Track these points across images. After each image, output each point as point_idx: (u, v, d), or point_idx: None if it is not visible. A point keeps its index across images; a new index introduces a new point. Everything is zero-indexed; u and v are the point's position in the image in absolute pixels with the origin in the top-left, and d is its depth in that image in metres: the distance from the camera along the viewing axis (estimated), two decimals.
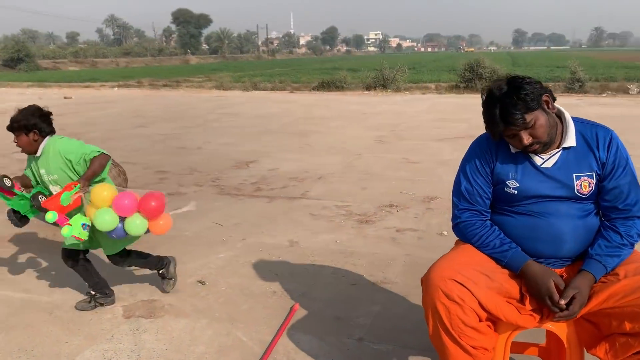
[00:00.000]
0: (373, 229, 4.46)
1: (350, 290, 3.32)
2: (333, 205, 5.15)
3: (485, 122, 1.95)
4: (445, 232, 4.32)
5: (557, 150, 1.95)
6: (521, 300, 1.93)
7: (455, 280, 1.83)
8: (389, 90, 19.29)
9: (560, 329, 1.97)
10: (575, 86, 17.61)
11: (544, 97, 1.88)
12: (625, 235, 1.88)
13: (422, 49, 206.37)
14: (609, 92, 17.04)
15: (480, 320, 1.87)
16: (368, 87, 19.82)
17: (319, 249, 4.00)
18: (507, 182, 1.98)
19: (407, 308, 3.09)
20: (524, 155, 1.98)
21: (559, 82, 20.08)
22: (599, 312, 1.83)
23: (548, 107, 1.89)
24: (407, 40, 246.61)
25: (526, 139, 1.86)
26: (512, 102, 1.84)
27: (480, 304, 1.84)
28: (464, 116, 11.84)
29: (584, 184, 1.92)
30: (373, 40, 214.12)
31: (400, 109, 13.51)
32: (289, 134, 9.71)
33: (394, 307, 3.10)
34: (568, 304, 1.81)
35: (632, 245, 1.89)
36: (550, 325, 1.95)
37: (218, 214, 4.92)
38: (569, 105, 13.66)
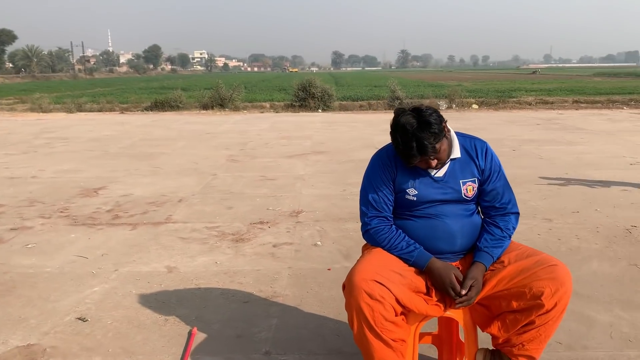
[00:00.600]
0: (249, 246, 4.51)
1: (244, 308, 3.35)
2: (202, 227, 5.08)
3: (400, 152, 2.19)
4: (319, 243, 4.55)
5: (447, 161, 2.26)
6: (428, 293, 2.18)
7: (375, 281, 2.02)
8: (226, 109, 19.35)
9: (458, 314, 2.26)
10: (395, 103, 19.44)
11: (444, 125, 2.17)
12: (505, 229, 2.25)
13: (249, 69, 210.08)
14: None
15: (396, 315, 2.07)
16: (205, 107, 19.65)
17: (201, 272, 3.95)
18: (407, 191, 2.26)
19: (303, 317, 3.21)
20: (421, 168, 2.25)
21: (379, 100, 22.02)
22: (490, 296, 2.16)
23: (446, 132, 2.18)
24: (233, 60, 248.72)
25: (433, 163, 2.17)
26: (425, 136, 2.10)
27: (396, 300, 2.04)
28: (306, 133, 12.41)
29: (469, 188, 2.26)
30: (199, 59, 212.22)
31: (244, 128, 13.67)
32: (133, 156, 9.27)
33: (290, 318, 3.20)
34: (467, 292, 2.11)
35: (510, 236, 2.27)
36: (449, 313, 2.23)
37: (78, 246, 4.55)
38: (374, 121, 15.04)
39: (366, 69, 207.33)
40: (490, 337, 2.27)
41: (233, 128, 13.82)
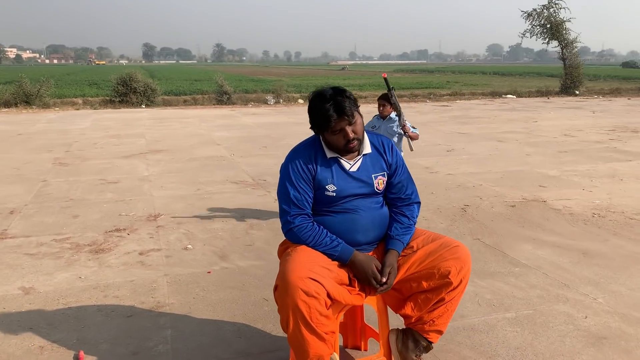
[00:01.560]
0: (113, 256, 4.19)
1: (130, 323, 3.13)
2: (50, 240, 4.57)
3: (318, 117, 2.28)
4: (189, 246, 4.40)
5: (359, 156, 2.39)
6: (350, 284, 2.29)
7: (310, 278, 2.07)
8: (33, 106, 17.34)
9: (371, 300, 2.43)
10: (224, 98, 19.35)
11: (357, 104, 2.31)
12: (411, 217, 2.46)
13: (47, 61, 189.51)
14: (252, 103, 19.34)
15: (327, 308, 2.15)
16: (6, 104, 17.36)
17: (65, 290, 3.57)
18: (326, 187, 2.33)
19: (197, 324, 3.11)
20: (336, 162, 2.36)
21: (204, 94, 21.67)
22: (402, 279, 2.35)
23: (358, 110, 2.31)
24: (27, 51, 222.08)
25: (351, 133, 2.25)
26: (342, 99, 2.25)
27: (327, 294, 2.12)
28: (136, 131, 11.74)
29: (380, 182, 2.41)
30: None
31: (62, 127, 12.42)
32: None
33: (184, 326, 3.08)
34: (387, 280, 2.27)
35: (415, 224, 2.48)
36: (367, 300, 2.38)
37: None
38: (227, 116, 15.00)
39: (181, 62, 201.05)
40: (403, 318, 2.46)
41: (49, 127, 12.48)
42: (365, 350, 2.76)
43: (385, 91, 4.51)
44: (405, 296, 2.41)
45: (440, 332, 2.39)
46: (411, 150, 4.60)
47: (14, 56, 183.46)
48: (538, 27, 23.08)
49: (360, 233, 2.35)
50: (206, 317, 3.21)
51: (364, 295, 2.32)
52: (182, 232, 4.78)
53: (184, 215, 5.30)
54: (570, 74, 22.91)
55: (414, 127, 4.65)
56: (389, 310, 2.52)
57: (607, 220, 5.02)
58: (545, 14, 22.85)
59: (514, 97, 21.91)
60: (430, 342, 2.41)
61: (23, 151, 9.06)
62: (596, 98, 21.45)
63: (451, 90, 24.63)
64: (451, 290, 2.29)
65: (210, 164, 7.94)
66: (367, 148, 2.42)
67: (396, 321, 2.71)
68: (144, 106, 18.20)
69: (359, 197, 2.37)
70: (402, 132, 4.58)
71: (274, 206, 5.63)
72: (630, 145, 9.46)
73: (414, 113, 15.68)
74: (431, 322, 2.36)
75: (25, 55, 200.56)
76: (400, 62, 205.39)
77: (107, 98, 19.10)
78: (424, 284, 2.31)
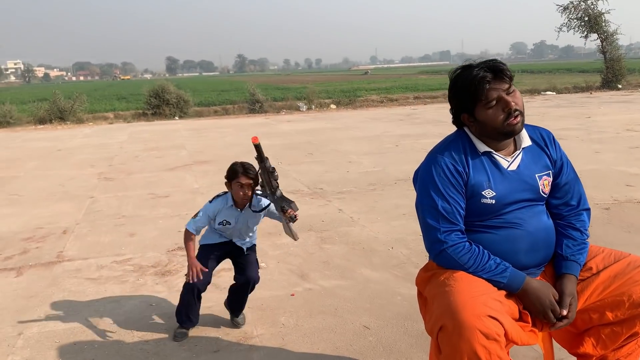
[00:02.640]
0: (182, 279, 3.78)
1: (220, 358, 2.72)
2: (110, 262, 4.22)
3: (465, 89, 1.84)
4: (263, 264, 3.97)
5: (518, 151, 1.92)
6: (520, 318, 1.83)
7: (489, 316, 1.61)
8: (68, 122, 17.31)
9: (544, 340, 1.96)
10: (257, 107, 19.08)
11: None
12: (583, 230, 1.98)
13: (74, 78, 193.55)
14: (285, 111, 19.03)
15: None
16: (42, 121, 17.37)
17: (138, 320, 3.18)
18: (483, 193, 1.85)
19: (297, 358, 2.69)
20: (490, 159, 1.89)
21: (233, 104, 21.42)
22: (580, 310, 1.88)
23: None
24: (55, 69, 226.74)
25: (512, 103, 1.80)
26: (495, 62, 1.83)
27: (505, 334, 1.67)
28: (176, 142, 11.50)
29: (545, 183, 1.93)
30: (13, 70, 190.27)
31: (100, 142, 12.23)
32: None
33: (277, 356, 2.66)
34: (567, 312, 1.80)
35: (588, 237, 2.00)
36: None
37: None
38: (263, 124, 14.70)
39: (204, 74, 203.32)
40: (578, 358, 1.99)
41: (87, 142, 12.31)
42: None
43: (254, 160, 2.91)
44: (580, 330, 1.94)
45: None
46: (296, 239, 2.99)
47: (42, 75, 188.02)
48: (575, 20, 22.28)
49: (524, 253, 1.87)
50: (304, 350, 2.78)
51: (537, 332, 1.85)
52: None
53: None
54: (612, 68, 22.02)
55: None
56: (557, 348, 2.05)
57: None
58: (583, 7, 22.05)
59: (554, 93, 21.15)
60: None
61: (65, 167, 8.82)
62: None
63: None
64: None
65: None
66: (527, 140, 1.93)
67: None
68: (177, 118, 18.03)
69: (522, 204, 1.88)
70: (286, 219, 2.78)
71: (339, 217, 5.21)
72: None
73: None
74: None
75: (53, 73, 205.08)
76: (422, 64, 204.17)
77: (140, 111, 19.01)
78: (609, 315, 1.84)
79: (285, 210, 2.72)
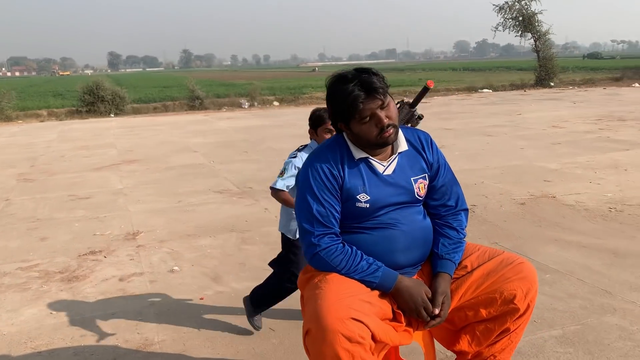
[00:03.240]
0: (89, 285, 3.65)
1: None
2: (15, 268, 4.00)
3: (340, 102, 1.81)
4: (176, 268, 3.89)
5: (394, 156, 1.92)
6: (394, 318, 1.83)
7: (352, 319, 1.60)
8: None
9: (416, 335, 1.97)
10: (196, 103, 18.72)
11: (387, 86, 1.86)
12: (460, 229, 1.99)
13: (9, 74, 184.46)
14: (226, 108, 18.76)
15: (372, 354, 1.69)
16: None
17: (34, 330, 3.03)
18: (358, 197, 1.85)
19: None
20: (367, 164, 1.89)
21: (174, 101, 20.93)
22: (455, 308, 1.90)
23: (389, 93, 1.86)
24: None
25: (384, 118, 1.80)
26: (369, 76, 1.80)
27: (372, 336, 1.66)
28: (107, 141, 11.12)
29: (421, 186, 1.94)
30: None
31: (27, 141, 11.68)
32: None
33: None
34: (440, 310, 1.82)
35: (465, 236, 2.03)
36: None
37: None
38: (201, 122, 14.45)
39: (147, 69, 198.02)
40: (457, 354, 2.02)
41: (12, 141, 11.73)
42: None
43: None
44: (457, 327, 1.96)
45: None
46: None
47: None
48: (510, 20, 23.05)
49: (401, 253, 1.88)
50: (205, 355, 2.71)
51: (412, 331, 1.86)
52: (166, 252, 4.25)
53: (166, 231, 4.78)
54: (545, 66, 22.92)
55: None
56: (438, 345, 2.07)
57: (626, 215, 4.68)
58: (517, 7, 22.84)
59: (490, 91, 21.80)
60: None
61: None
62: (572, 89, 21.48)
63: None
64: (517, 318, 1.86)
65: (188, 173, 7.39)
66: (403, 145, 1.94)
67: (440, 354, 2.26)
68: (112, 115, 17.46)
69: (397, 207, 1.90)
70: None
71: (265, 216, 5.15)
72: (622, 134, 9.23)
73: None
74: (492, 357, 1.92)
75: None
76: (369, 61, 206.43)
77: (74, 108, 18.30)
78: (483, 312, 1.87)
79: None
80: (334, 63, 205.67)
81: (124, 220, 5.20)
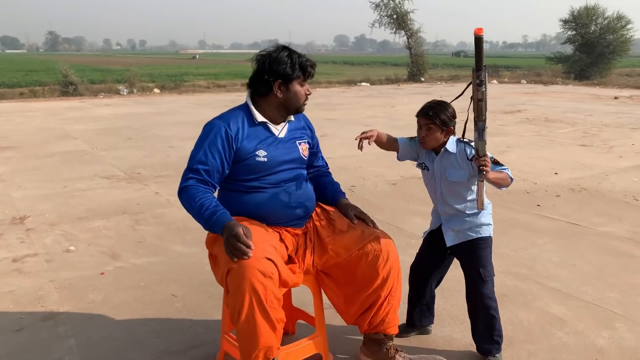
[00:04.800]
0: None
1: (22, 337, 2.74)
2: None
3: (293, 63, 2.26)
4: (72, 248, 3.98)
5: (285, 122, 2.36)
6: (289, 261, 2.23)
7: (266, 258, 1.97)
8: None
9: (309, 280, 2.38)
10: (70, 89, 17.73)
11: None
12: (332, 178, 2.61)
13: None
14: (103, 94, 17.98)
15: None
16: None
17: None
18: (257, 153, 2.23)
19: (103, 329, 2.82)
20: (264, 128, 2.29)
21: (43, 86, 19.61)
22: (334, 265, 2.32)
23: None
24: None
25: (308, 88, 2.34)
26: (299, 55, 2.31)
27: (279, 275, 2.04)
28: None
29: (304, 148, 2.40)
30: None
31: None
32: None
33: (88, 333, 2.77)
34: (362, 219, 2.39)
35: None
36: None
37: None
38: (77, 108, 13.83)
39: (7, 51, 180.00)
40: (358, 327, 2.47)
41: None
42: (294, 333, 2.72)
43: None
44: (339, 284, 2.37)
45: (395, 323, 2.41)
46: (480, 208, 2.31)
47: None
48: (385, 17, 24.47)
49: (290, 208, 2.29)
50: (112, 321, 2.92)
51: (302, 274, 2.27)
52: (59, 234, 4.30)
53: (55, 215, 4.77)
54: (416, 62, 24.66)
55: (499, 164, 2.36)
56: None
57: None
58: (392, 5, 24.30)
59: (368, 84, 23.04)
60: (392, 335, 2.44)
61: None
62: (439, 84, 23.37)
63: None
64: (382, 283, 2.29)
65: (71, 159, 7.23)
66: (291, 117, 2.40)
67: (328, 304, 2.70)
68: None
69: (288, 168, 2.32)
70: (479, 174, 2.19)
71: (156, 199, 5.31)
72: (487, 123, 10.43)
73: None
74: (382, 322, 2.37)
75: None
76: (251, 51, 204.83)
77: None
78: (357, 272, 2.30)
79: (479, 155, 2.16)
80: (215, 51, 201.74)
81: (6, 205, 5.07)
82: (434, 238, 2.59)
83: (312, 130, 2.52)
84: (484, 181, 2.19)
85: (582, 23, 25.19)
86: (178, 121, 11.21)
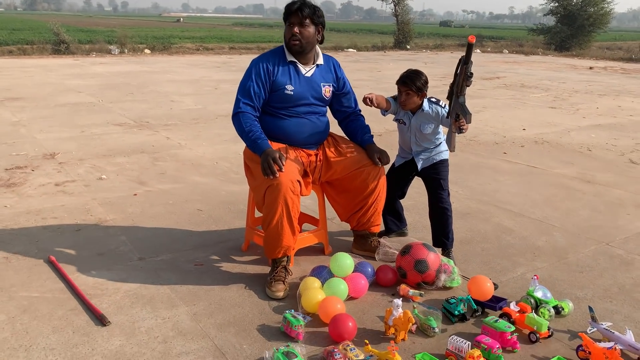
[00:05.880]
0: (29, 189, 4.27)
1: (81, 235, 3.42)
2: None
3: (285, 7, 2.84)
4: (103, 177, 4.62)
5: (313, 65, 2.94)
6: (304, 175, 2.92)
7: (297, 180, 2.66)
8: None
9: (316, 189, 3.10)
10: (62, 48, 17.97)
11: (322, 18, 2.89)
12: (362, 119, 3.20)
13: None
14: (95, 53, 18.25)
15: None
16: None
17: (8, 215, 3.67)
18: (286, 87, 2.85)
19: (147, 230, 3.51)
20: (295, 66, 2.88)
21: (31, 44, 19.73)
22: (338, 179, 3.03)
23: (318, 32, 2.88)
24: None
25: (296, 29, 2.78)
26: (307, 5, 2.81)
27: (300, 189, 2.74)
28: None
29: (327, 90, 2.98)
30: None
31: None
32: None
33: (135, 233, 3.45)
34: (381, 160, 2.99)
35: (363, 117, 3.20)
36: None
37: None
38: (73, 65, 14.17)
39: None
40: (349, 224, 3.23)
41: None
42: (300, 232, 3.42)
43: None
44: (338, 191, 3.11)
45: (378, 223, 3.17)
46: (453, 150, 2.92)
47: None
48: None
49: (308, 135, 2.94)
50: (152, 225, 3.61)
51: (311, 185, 3.00)
52: (89, 166, 4.93)
53: (82, 152, 5.40)
54: (402, 30, 25.13)
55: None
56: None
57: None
58: None
59: (355, 50, 23.51)
60: (375, 232, 3.18)
61: None
62: (424, 52, 23.94)
63: None
64: (370, 193, 3.02)
65: (81, 109, 7.78)
66: (320, 60, 2.95)
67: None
68: None
69: (310, 104, 2.91)
70: (454, 127, 2.80)
71: (168, 143, 5.94)
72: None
73: None
74: (367, 221, 3.12)
75: None
76: (236, 15, 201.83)
77: None
78: (354, 184, 3.01)
79: (458, 118, 2.75)
80: (199, 15, 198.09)
81: (35, 145, 5.67)
82: (400, 166, 3.29)
83: (339, 77, 3.02)
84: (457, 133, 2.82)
85: None
86: (174, 79, 11.72)
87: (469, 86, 2.68)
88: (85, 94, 9.31)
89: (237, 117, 2.83)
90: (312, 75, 2.93)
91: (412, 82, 3.00)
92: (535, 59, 20.97)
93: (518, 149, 6.02)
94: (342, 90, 3.10)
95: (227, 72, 13.56)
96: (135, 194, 4.21)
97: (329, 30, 41.63)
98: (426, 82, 3.05)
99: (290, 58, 2.89)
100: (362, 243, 3.22)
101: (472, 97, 9.52)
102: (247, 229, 3.20)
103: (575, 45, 25.35)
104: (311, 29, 2.84)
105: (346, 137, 3.18)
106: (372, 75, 13.49)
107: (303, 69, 2.92)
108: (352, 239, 3.31)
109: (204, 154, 5.47)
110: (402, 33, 25.19)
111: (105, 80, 11.31)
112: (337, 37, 34.73)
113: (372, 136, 3.14)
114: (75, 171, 4.77)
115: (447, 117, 2.89)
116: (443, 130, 3.15)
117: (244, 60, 17.17)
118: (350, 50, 23.58)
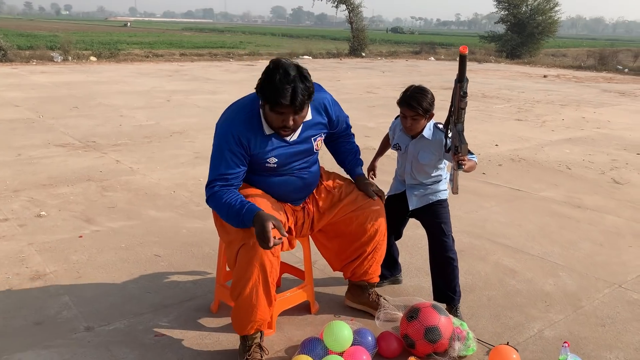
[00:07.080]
0: None
1: (15, 296, 2.82)
2: None
3: (270, 90, 2.09)
4: (43, 213, 4.00)
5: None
6: (288, 231, 2.42)
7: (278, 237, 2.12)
8: None
9: (304, 242, 2.63)
10: None
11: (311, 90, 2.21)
12: (353, 142, 2.76)
13: None
14: (36, 61, 17.12)
15: None
16: None
17: None
18: (267, 160, 2.30)
19: (95, 287, 2.94)
20: (276, 136, 2.29)
21: None
22: (330, 222, 2.55)
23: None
24: None
25: (290, 121, 2.17)
26: (302, 87, 2.10)
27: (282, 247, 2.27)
28: None
29: (319, 143, 2.47)
30: None
31: None
32: None
33: (81, 291, 2.89)
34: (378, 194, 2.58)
35: (357, 147, 2.78)
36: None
37: None
38: (11, 75, 13.18)
39: None
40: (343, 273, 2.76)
41: None
42: (279, 286, 2.94)
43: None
44: (330, 237, 2.64)
45: (377, 274, 2.70)
46: (455, 192, 2.54)
47: None
48: None
49: (295, 193, 2.46)
50: (101, 280, 3.04)
51: (295, 240, 2.53)
52: (25, 200, 4.28)
53: (17, 182, 4.72)
54: (357, 37, 24.94)
55: (471, 153, 2.59)
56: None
57: None
58: None
59: (310, 58, 23.11)
60: (374, 283, 2.74)
61: None
62: (380, 59, 23.81)
63: (249, 50, 24.97)
64: (368, 240, 2.56)
65: (18, 127, 7.02)
66: (307, 116, 2.33)
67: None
68: None
69: (298, 159, 2.39)
70: (454, 163, 2.43)
71: (118, 167, 5.33)
72: None
73: (222, 72, 15.63)
74: (365, 272, 2.65)
75: None
76: (185, 20, 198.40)
77: None
78: (351, 227, 2.55)
79: (457, 151, 2.35)
80: (147, 19, 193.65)
81: None
82: (394, 200, 2.82)
83: (332, 118, 2.47)
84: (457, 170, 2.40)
85: (514, 3, 26.34)
86: (123, 90, 10.96)
87: (463, 108, 2.32)
88: (24, 108, 8.49)
89: (210, 200, 2.26)
90: (299, 135, 2.35)
91: (418, 104, 2.55)
92: (489, 67, 21.15)
93: (496, 168, 5.72)
94: (337, 128, 2.60)
95: (179, 81, 12.86)
96: (81, 236, 3.62)
97: (280, 36, 41.58)
98: (433, 100, 2.62)
99: (269, 131, 2.27)
100: (358, 294, 2.76)
101: (436, 110, 9.25)
102: (217, 286, 2.68)
103: (526, 53, 25.85)
104: (306, 109, 2.25)
105: (335, 172, 2.70)
106: (332, 85, 13.10)
107: (285, 133, 2.29)
108: (342, 287, 2.86)
109: (159, 180, 4.88)
110: (357, 40, 24.99)
111: (47, 92, 10.44)
112: (291, 43, 34.43)
113: (361, 165, 2.73)
114: (8, 207, 4.12)
115: (447, 150, 2.48)
116: (447, 167, 2.72)
117: (196, 69, 16.50)
118: (306, 57, 23.16)
